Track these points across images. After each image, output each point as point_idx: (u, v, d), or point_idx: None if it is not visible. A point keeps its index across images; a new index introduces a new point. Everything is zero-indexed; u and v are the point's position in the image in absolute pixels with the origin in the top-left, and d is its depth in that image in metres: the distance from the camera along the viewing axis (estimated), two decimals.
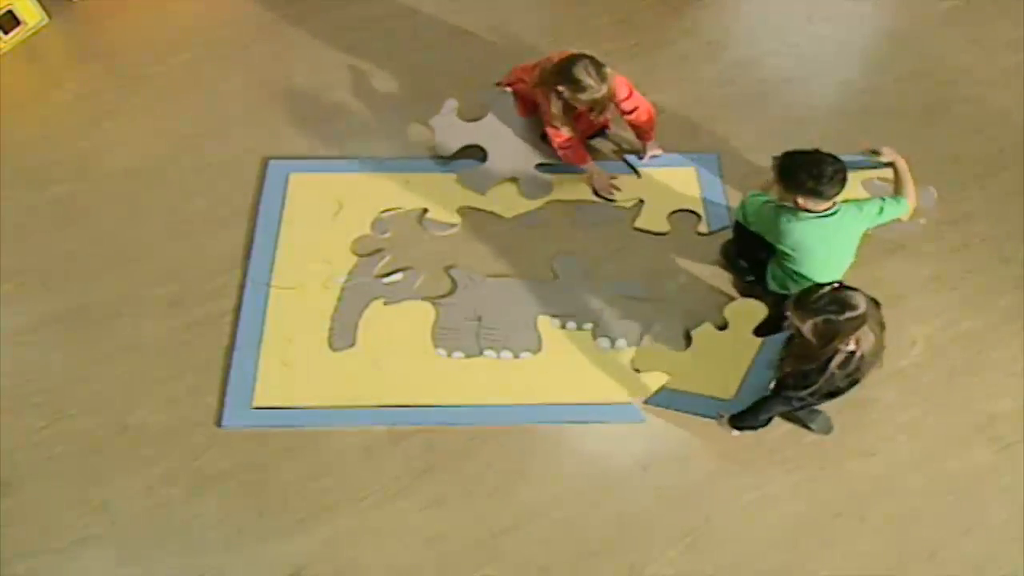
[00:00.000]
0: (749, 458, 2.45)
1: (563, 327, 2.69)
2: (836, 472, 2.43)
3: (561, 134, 2.91)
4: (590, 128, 3.08)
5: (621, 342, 2.65)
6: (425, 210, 2.98)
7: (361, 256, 2.86)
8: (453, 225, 2.95)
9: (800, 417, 2.48)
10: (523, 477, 2.42)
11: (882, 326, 2.19)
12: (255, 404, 2.52)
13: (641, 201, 3.00)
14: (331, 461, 2.44)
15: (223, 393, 2.54)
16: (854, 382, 2.23)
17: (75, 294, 2.79)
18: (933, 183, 3.05)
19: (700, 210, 2.98)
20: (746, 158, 3.13)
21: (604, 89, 2.74)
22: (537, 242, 2.90)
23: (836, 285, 2.16)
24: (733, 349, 2.61)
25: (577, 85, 2.72)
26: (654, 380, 2.58)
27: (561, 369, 2.60)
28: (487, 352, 2.63)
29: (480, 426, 2.50)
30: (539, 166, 3.05)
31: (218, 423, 2.49)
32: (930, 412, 2.54)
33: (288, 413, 2.51)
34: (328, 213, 2.97)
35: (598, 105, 2.79)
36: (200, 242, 2.91)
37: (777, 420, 2.50)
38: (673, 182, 3.05)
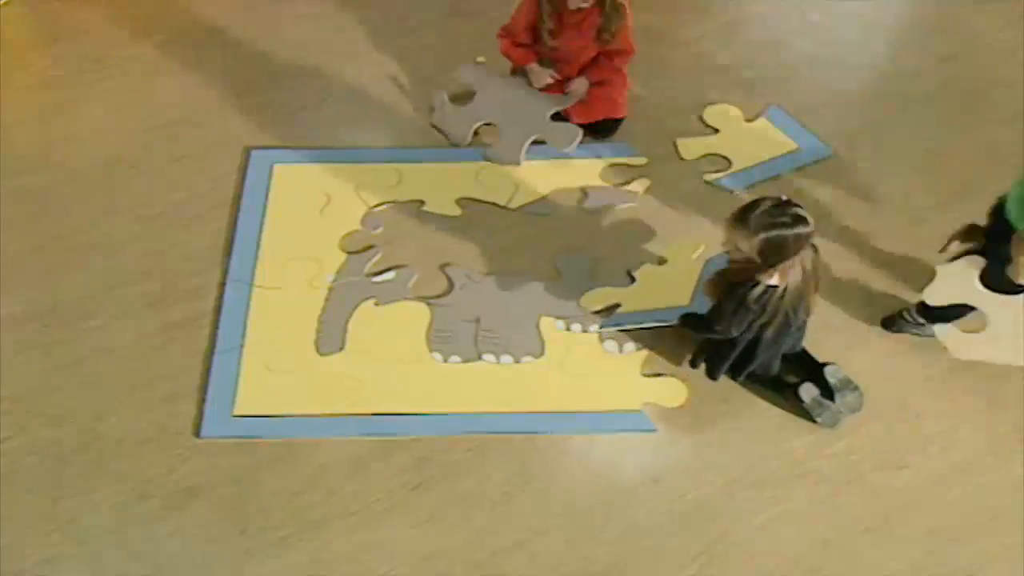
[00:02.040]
0: (769, 470, 2.46)
1: (567, 329, 2.70)
2: (863, 486, 2.43)
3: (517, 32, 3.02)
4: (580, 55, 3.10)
5: (629, 346, 2.66)
6: (421, 203, 3.00)
7: (350, 253, 2.87)
8: (452, 218, 2.96)
9: (806, 408, 2.50)
10: (525, 491, 2.43)
11: (816, 270, 2.26)
12: (236, 412, 2.53)
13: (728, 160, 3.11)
14: (318, 474, 2.45)
15: (202, 401, 2.55)
16: (765, 325, 2.32)
17: (43, 294, 2.79)
18: (969, 173, 3.06)
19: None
20: None
21: None
22: (540, 236, 2.92)
23: (781, 198, 2.18)
24: (678, 280, 2.74)
25: None
26: (666, 387, 2.59)
27: (565, 375, 2.61)
28: (486, 356, 2.64)
29: (478, 436, 2.50)
30: (554, 116, 3.08)
31: (196, 433, 2.50)
32: (964, 421, 2.54)
33: (271, 422, 2.52)
34: (315, 207, 2.99)
35: None
36: (177, 238, 2.92)
37: (798, 431, 2.51)
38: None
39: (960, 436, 2.52)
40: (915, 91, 3.34)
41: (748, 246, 2.17)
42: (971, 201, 2.96)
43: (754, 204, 2.17)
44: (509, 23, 3.08)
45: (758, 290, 2.23)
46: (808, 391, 2.50)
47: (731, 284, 2.30)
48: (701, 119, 3.22)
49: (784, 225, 2.13)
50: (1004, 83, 3.36)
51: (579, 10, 2.92)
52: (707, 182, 3.05)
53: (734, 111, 3.25)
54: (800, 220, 2.14)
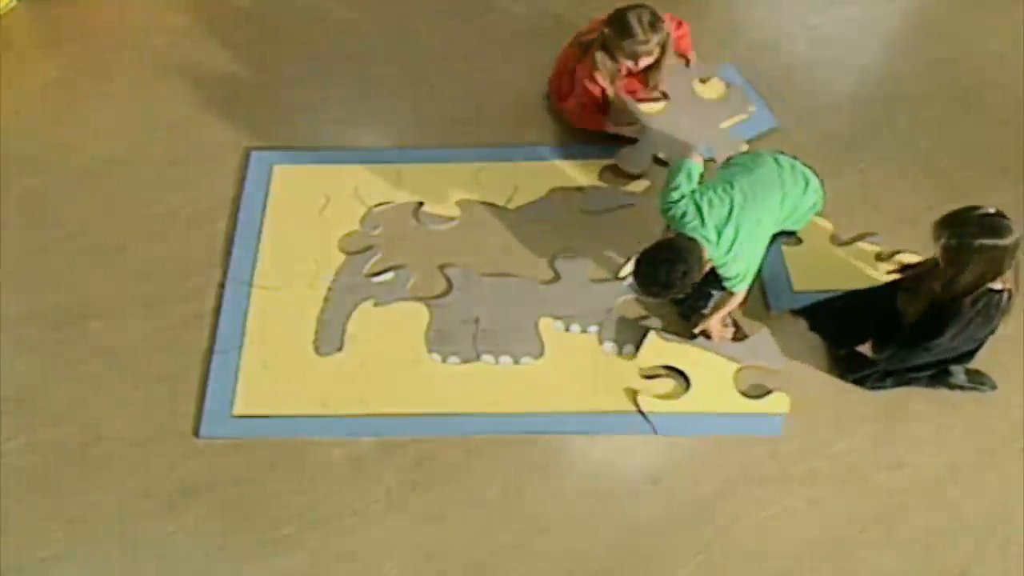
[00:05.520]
0: (767, 471, 2.44)
1: (567, 330, 2.68)
2: (860, 486, 2.42)
3: (590, 90, 2.98)
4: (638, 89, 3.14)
5: (628, 347, 2.64)
6: (420, 203, 2.98)
7: (350, 254, 2.85)
8: (451, 219, 2.94)
9: (971, 387, 2.52)
10: (524, 492, 2.41)
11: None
12: (236, 412, 2.51)
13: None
14: (317, 474, 2.43)
15: (201, 401, 2.53)
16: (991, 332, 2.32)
17: (44, 295, 2.77)
18: (960, 175, 3.04)
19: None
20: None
21: (651, 41, 2.85)
22: (540, 237, 2.89)
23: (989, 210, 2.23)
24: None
25: (624, 30, 2.82)
26: (665, 388, 2.56)
27: (564, 375, 2.59)
28: (485, 357, 2.62)
29: (477, 437, 2.49)
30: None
31: (196, 433, 2.48)
32: (960, 422, 2.52)
33: (271, 422, 2.50)
34: (314, 208, 2.96)
35: (636, 56, 2.88)
36: (177, 239, 2.90)
37: (796, 431, 2.49)
38: None
39: (956, 436, 2.50)
40: (911, 93, 3.33)
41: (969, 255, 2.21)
42: (965, 201, 2.93)
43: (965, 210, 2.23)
44: (576, 100, 3.02)
45: (983, 300, 2.24)
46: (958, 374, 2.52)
47: (946, 298, 2.29)
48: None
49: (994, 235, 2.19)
50: (997, 86, 3.35)
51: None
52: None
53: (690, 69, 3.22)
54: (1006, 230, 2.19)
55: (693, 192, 2.48)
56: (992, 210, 2.22)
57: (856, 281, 2.70)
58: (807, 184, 2.57)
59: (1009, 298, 2.26)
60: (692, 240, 2.43)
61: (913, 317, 2.38)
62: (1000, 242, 2.17)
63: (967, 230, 2.19)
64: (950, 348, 2.35)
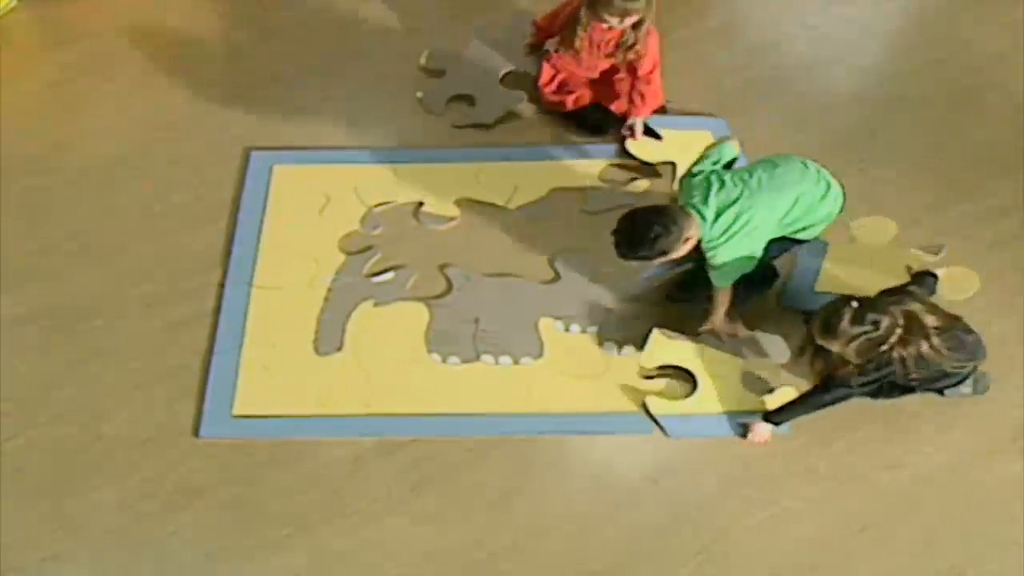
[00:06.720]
0: (767, 471, 2.44)
1: (566, 330, 2.68)
2: (859, 485, 2.42)
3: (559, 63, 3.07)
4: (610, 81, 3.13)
5: (628, 347, 2.64)
6: (420, 203, 2.97)
7: (350, 254, 2.85)
8: (451, 219, 2.94)
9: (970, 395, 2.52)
10: (524, 492, 2.41)
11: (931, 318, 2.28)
12: (235, 412, 2.51)
13: (673, 164, 3.02)
14: (317, 474, 2.43)
15: (201, 400, 2.53)
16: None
17: (45, 294, 2.77)
18: (961, 175, 3.04)
19: None
20: (762, 151, 3.12)
21: (640, 3, 2.79)
22: (540, 237, 2.89)
23: (855, 303, 2.22)
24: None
25: None
26: (664, 388, 2.56)
27: (564, 376, 2.59)
28: (484, 357, 2.62)
29: (477, 437, 2.48)
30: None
31: (196, 433, 2.48)
32: (959, 421, 2.52)
33: (270, 422, 2.50)
34: (314, 207, 2.96)
35: (626, 13, 2.80)
36: (177, 239, 2.90)
37: (796, 431, 2.49)
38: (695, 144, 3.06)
39: (954, 436, 2.50)
40: (910, 93, 3.33)
41: (845, 352, 2.25)
42: (965, 201, 2.97)
43: (836, 314, 2.22)
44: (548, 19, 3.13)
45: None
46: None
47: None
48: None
49: (870, 332, 2.20)
50: (996, 86, 3.35)
51: (609, 28, 2.90)
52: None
53: None
54: (879, 322, 2.19)
55: (713, 172, 2.49)
56: (856, 304, 2.22)
57: (874, 289, 2.64)
58: (827, 190, 2.53)
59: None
60: (683, 211, 2.41)
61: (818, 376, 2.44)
62: (879, 332, 2.21)
63: (864, 330, 2.20)
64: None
